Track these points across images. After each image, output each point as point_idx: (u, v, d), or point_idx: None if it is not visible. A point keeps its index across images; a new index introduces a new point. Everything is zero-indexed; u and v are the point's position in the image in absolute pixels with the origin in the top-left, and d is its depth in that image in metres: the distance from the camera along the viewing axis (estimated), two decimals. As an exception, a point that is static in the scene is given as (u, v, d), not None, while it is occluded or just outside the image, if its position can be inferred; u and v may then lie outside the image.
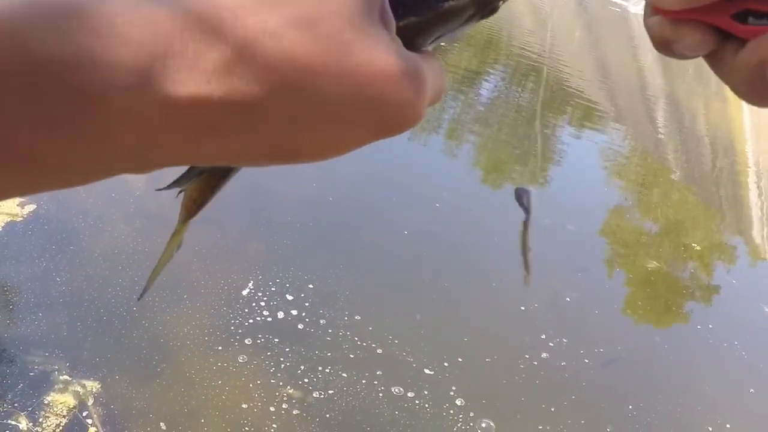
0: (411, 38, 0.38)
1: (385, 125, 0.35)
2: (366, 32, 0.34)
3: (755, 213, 8.02)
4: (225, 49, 0.31)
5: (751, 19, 0.39)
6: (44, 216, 3.76)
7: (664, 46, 0.41)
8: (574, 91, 9.82)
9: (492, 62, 10.03)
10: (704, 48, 0.41)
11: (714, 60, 0.41)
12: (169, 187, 0.46)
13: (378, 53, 0.34)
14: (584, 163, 7.69)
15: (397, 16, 0.37)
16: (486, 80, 9.22)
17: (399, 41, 0.36)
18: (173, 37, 0.30)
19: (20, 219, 3.67)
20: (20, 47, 0.27)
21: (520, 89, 9.38)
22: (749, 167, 9.78)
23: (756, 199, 8.48)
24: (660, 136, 9.76)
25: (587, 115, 9.15)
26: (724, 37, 0.40)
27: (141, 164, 0.32)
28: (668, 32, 0.40)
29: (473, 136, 7.22)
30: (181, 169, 0.46)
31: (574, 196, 6.52)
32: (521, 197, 0.76)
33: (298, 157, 0.35)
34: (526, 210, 0.77)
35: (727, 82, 0.40)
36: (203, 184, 0.46)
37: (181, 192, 0.47)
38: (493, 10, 0.42)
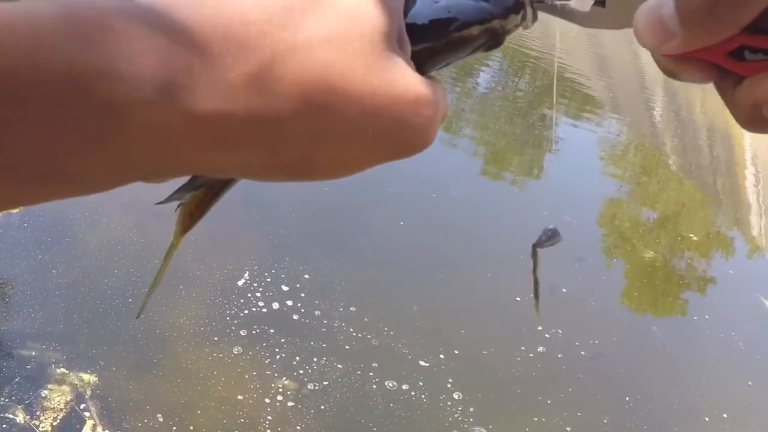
0: (421, 63, 0.39)
1: (401, 146, 0.36)
2: (387, 56, 0.34)
3: (753, 204, 8.02)
4: (252, 64, 0.31)
5: (747, 54, 0.39)
6: (40, 208, 3.75)
7: (670, 77, 0.42)
8: (571, 81, 9.81)
9: (489, 53, 10.00)
10: (706, 81, 0.42)
11: (719, 89, 0.42)
12: (168, 200, 0.47)
13: (398, 76, 0.34)
14: (581, 154, 7.68)
15: (411, 42, 0.39)
16: (483, 71, 9.20)
17: (413, 65, 0.37)
18: (199, 51, 0.30)
19: (15, 211, 3.66)
20: (45, 59, 0.26)
21: (517, 80, 9.37)
22: (746, 158, 9.78)
23: (753, 190, 8.48)
24: (657, 126, 9.75)
25: (584, 105, 9.14)
26: (725, 70, 0.41)
27: (159, 175, 0.32)
28: (671, 68, 0.41)
29: (471, 126, 7.21)
30: (179, 181, 0.45)
31: (571, 186, 6.51)
32: (552, 237, 0.79)
33: (312, 175, 0.36)
34: (541, 247, 0.79)
35: (731, 113, 0.41)
36: (200, 198, 0.46)
37: (179, 206, 0.47)
38: (499, 42, 0.44)
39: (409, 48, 0.37)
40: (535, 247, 0.79)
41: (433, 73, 0.42)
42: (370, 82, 0.33)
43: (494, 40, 0.43)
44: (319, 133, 0.33)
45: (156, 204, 0.47)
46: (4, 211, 3.63)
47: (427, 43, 0.40)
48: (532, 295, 0.87)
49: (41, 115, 0.27)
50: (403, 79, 0.34)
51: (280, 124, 0.31)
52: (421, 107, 0.35)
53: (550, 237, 0.79)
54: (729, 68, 0.40)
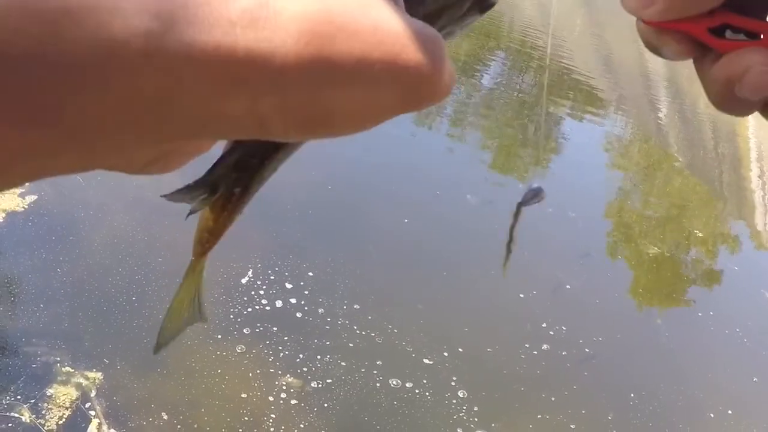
0: None
1: (412, 88, 0.34)
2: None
3: (758, 199, 8.00)
4: (249, 0, 0.30)
5: (728, 33, 0.40)
6: (45, 207, 3.76)
7: (651, 50, 0.42)
8: (576, 77, 9.79)
9: (493, 49, 10.00)
10: (684, 56, 0.42)
11: (697, 67, 0.42)
12: (176, 197, 0.41)
13: (398, 14, 0.34)
14: (586, 150, 7.68)
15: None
16: (488, 67, 9.19)
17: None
18: None
19: (21, 210, 3.67)
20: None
21: (522, 76, 9.35)
22: (751, 153, 9.76)
23: (758, 186, 8.46)
24: (661, 121, 9.73)
25: (589, 102, 9.12)
26: (705, 47, 0.41)
27: (163, 124, 0.30)
28: (652, 39, 0.42)
29: (475, 123, 7.20)
30: (187, 179, 0.43)
31: (576, 182, 6.50)
32: (537, 195, 0.78)
33: (330, 124, 0.34)
34: (526, 205, 0.78)
35: (705, 91, 0.41)
36: (219, 209, 0.43)
37: (190, 214, 0.44)
38: (491, 4, 0.42)
39: (402, 3, 0.36)
40: (519, 205, 0.78)
41: None
42: (369, 17, 0.32)
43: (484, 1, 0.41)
44: (325, 72, 0.32)
45: (162, 196, 0.42)
46: (11, 210, 3.64)
47: (417, 9, 0.38)
48: (505, 253, 0.87)
49: (28, 51, 0.26)
50: (402, 17, 0.34)
51: (281, 60, 0.31)
52: (425, 44, 0.34)
53: (535, 195, 0.79)
54: (709, 44, 0.40)
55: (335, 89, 0.33)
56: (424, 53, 0.34)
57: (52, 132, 0.28)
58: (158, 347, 0.48)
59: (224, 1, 0.30)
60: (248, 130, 0.33)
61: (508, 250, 0.84)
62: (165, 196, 0.42)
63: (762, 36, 0.39)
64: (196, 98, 0.30)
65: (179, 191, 0.41)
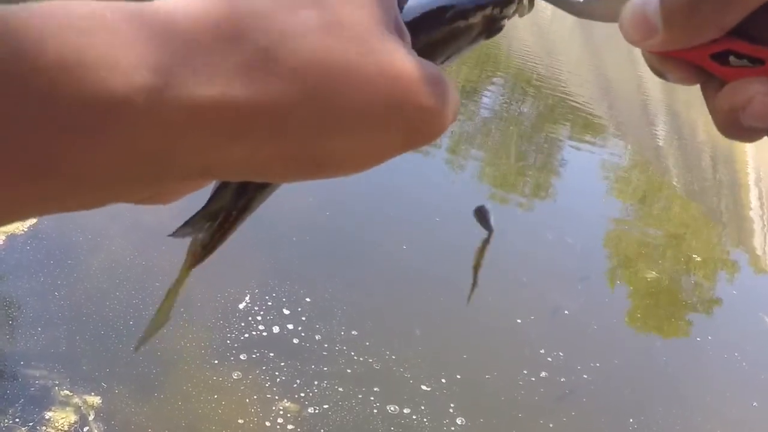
0: (422, 57, 0.38)
1: (413, 130, 0.35)
2: (386, 39, 0.34)
3: (756, 224, 8.00)
4: (248, 50, 0.30)
5: (732, 59, 0.39)
6: (43, 231, 3.76)
7: (656, 74, 0.42)
8: (574, 103, 9.83)
9: (491, 76, 10.04)
10: (689, 82, 0.41)
11: (703, 92, 0.42)
12: (181, 233, 0.43)
13: (400, 57, 0.34)
14: (584, 175, 7.69)
15: (411, 34, 0.38)
16: (486, 94, 9.23)
17: (415, 53, 0.36)
18: (194, 38, 0.29)
19: (20, 233, 3.68)
20: (36, 48, 0.26)
21: (520, 103, 9.39)
22: (750, 179, 9.77)
23: (757, 211, 8.46)
24: (660, 147, 9.75)
25: (587, 128, 9.15)
26: (711, 74, 0.40)
27: (164, 174, 0.31)
28: (656, 65, 0.41)
29: (474, 149, 7.22)
30: (186, 207, 0.43)
31: (574, 208, 6.51)
32: (484, 215, 0.75)
33: (328, 167, 0.34)
34: (489, 227, 0.75)
35: (712, 117, 0.41)
36: (216, 228, 0.44)
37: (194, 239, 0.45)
38: (499, 28, 0.43)
39: (408, 36, 0.37)
40: (490, 231, 0.74)
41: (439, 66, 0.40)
42: (370, 64, 0.32)
43: (493, 26, 0.42)
44: (324, 120, 0.32)
45: (168, 236, 0.43)
46: (10, 234, 3.64)
47: (425, 34, 0.39)
48: (471, 283, 0.84)
49: (31, 107, 0.26)
50: (405, 60, 0.34)
51: (282, 110, 0.31)
52: (428, 87, 0.34)
53: (484, 214, 0.76)
54: (713, 71, 0.40)
55: (335, 136, 0.33)
56: (427, 95, 0.34)
57: (51, 183, 0.28)
58: (139, 346, 0.50)
59: (223, 52, 0.30)
60: (247, 175, 0.34)
61: (474, 282, 0.81)
62: (171, 234, 0.43)
63: (766, 63, 0.38)
64: (196, 150, 0.30)
65: (184, 227, 0.42)
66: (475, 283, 0.82)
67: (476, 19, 0.41)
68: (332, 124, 0.32)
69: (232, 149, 0.31)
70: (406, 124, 0.34)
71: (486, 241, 0.76)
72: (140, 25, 0.28)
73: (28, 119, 0.26)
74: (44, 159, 0.27)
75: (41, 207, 0.30)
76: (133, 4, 0.29)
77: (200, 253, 0.45)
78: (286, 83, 0.31)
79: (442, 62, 0.41)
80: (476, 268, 0.78)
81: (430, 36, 0.39)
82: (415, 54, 0.36)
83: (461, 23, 0.40)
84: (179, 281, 0.47)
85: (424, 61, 0.35)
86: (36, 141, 0.26)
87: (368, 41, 0.33)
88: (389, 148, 0.35)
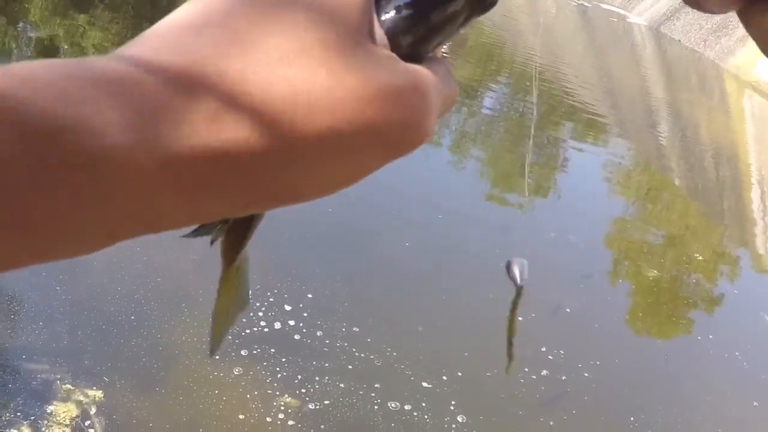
0: (413, 48, 0.37)
1: (392, 146, 0.34)
2: (354, 56, 0.33)
3: (758, 223, 8.01)
4: (209, 99, 0.30)
5: None
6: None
7: (691, 5, 0.40)
8: (577, 103, 9.83)
9: (494, 75, 10.04)
10: (731, 6, 0.39)
11: (744, 17, 0.39)
12: (197, 233, 0.42)
13: (371, 73, 0.32)
14: (587, 175, 7.69)
15: (397, 27, 0.36)
16: (488, 93, 9.23)
17: (395, 57, 0.35)
18: (156, 94, 0.29)
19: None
20: (16, 117, 0.26)
21: (522, 102, 9.39)
22: (752, 178, 9.77)
23: (759, 210, 8.46)
24: (662, 147, 9.75)
25: (590, 127, 9.15)
26: None
27: (146, 226, 0.31)
28: None
29: (476, 147, 7.22)
30: None
31: (577, 207, 6.51)
32: (513, 269, 0.67)
33: (309, 195, 0.34)
34: (518, 284, 0.66)
35: (755, 41, 0.38)
36: (236, 225, 0.43)
37: (212, 243, 0.44)
38: (491, 4, 0.41)
39: (385, 40, 0.35)
40: (520, 288, 0.67)
41: (431, 54, 0.39)
42: (339, 88, 0.31)
43: (481, 5, 0.40)
44: (296, 155, 0.31)
45: (182, 237, 0.42)
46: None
47: (414, 25, 0.37)
48: (506, 353, 0.72)
49: (15, 173, 0.26)
50: (378, 75, 0.32)
51: (252, 153, 0.30)
52: (405, 99, 0.33)
53: (515, 268, 0.68)
54: None
55: (311, 166, 0.32)
56: (403, 108, 0.33)
57: (26, 241, 0.28)
58: (213, 349, 0.48)
59: (186, 105, 0.29)
60: (233, 214, 0.34)
61: (510, 343, 0.74)
62: (185, 236, 0.42)
63: None
64: (171, 201, 0.30)
65: (197, 228, 0.42)
66: (511, 356, 0.73)
67: (460, 3, 0.39)
68: (303, 158, 0.32)
69: (206, 197, 0.31)
70: (384, 141, 0.34)
71: (515, 303, 0.67)
72: (104, 85, 0.28)
73: (9, 182, 0.26)
74: (25, 218, 0.27)
75: (23, 261, 0.29)
76: (88, 62, 0.29)
77: (231, 251, 0.44)
78: (250, 126, 0.30)
79: (438, 45, 0.40)
80: (510, 338, 0.71)
81: (417, 32, 0.38)
82: (393, 59, 0.35)
83: (446, 13, 0.39)
84: (225, 280, 0.46)
85: (400, 69, 0.34)
86: (17, 201, 0.26)
87: (332, 65, 0.32)
88: (367, 165, 0.34)
